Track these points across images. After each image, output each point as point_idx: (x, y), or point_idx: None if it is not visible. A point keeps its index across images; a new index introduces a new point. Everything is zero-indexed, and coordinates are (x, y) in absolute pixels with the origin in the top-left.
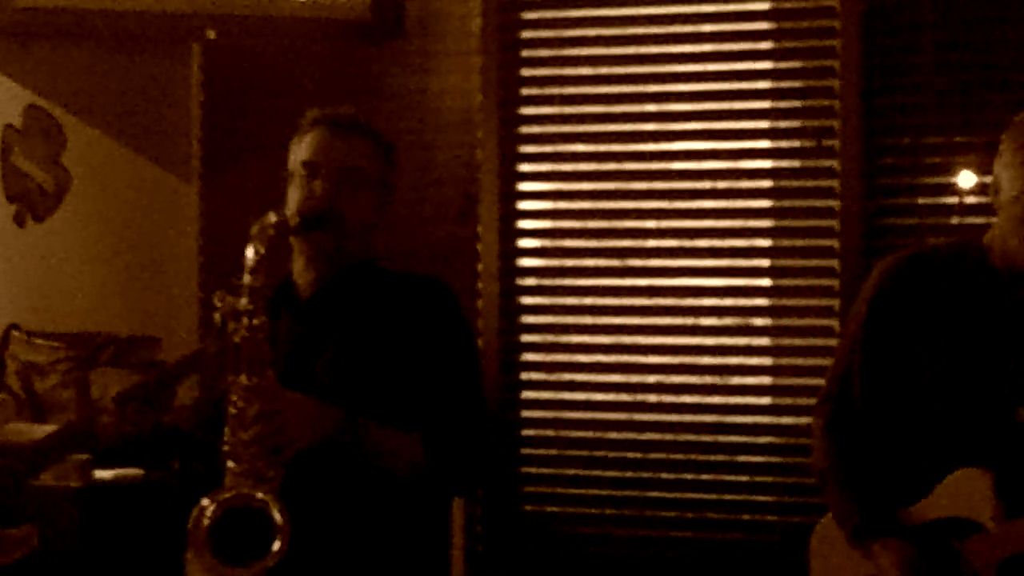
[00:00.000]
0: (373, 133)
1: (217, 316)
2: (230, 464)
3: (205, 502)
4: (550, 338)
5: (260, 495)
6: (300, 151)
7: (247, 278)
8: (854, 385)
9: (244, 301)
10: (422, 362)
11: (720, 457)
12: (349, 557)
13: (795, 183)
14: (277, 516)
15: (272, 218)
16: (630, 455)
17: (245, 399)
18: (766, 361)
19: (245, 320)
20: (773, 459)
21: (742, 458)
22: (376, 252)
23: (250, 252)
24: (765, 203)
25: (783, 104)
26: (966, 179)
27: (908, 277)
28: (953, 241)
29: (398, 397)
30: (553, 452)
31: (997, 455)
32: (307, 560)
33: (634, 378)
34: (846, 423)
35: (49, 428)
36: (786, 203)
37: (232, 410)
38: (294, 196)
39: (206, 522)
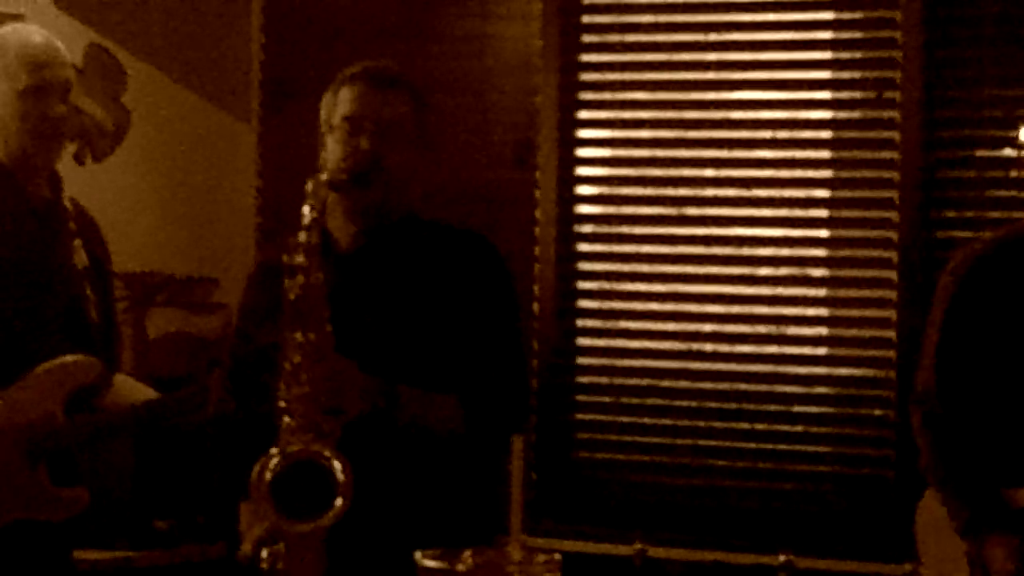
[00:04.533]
0: (410, 85)
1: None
2: (285, 419)
3: (270, 453)
4: (606, 286)
5: (326, 452)
6: (340, 105)
7: (303, 235)
8: (941, 377)
9: (301, 258)
10: (464, 317)
11: (775, 407)
12: (398, 517)
13: (855, 134)
14: (340, 474)
15: (325, 175)
16: (684, 403)
17: (301, 355)
18: (822, 312)
19: (301, 277)
20: (828, 410)
21: (797, 408)
22: (415, 205)
23: (306, 209)
24: (824, 154)
25: (844, 55)
26: None
27: (994, 264)
28: None
29: (439, 352)
30: (607, 400)
31: None
32: (359, 520)
33: (690, 327)
34: (940, 416)
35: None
36: (845, 154)
37: (287, 366)
38: (336, 151)
39: (269, 474)
